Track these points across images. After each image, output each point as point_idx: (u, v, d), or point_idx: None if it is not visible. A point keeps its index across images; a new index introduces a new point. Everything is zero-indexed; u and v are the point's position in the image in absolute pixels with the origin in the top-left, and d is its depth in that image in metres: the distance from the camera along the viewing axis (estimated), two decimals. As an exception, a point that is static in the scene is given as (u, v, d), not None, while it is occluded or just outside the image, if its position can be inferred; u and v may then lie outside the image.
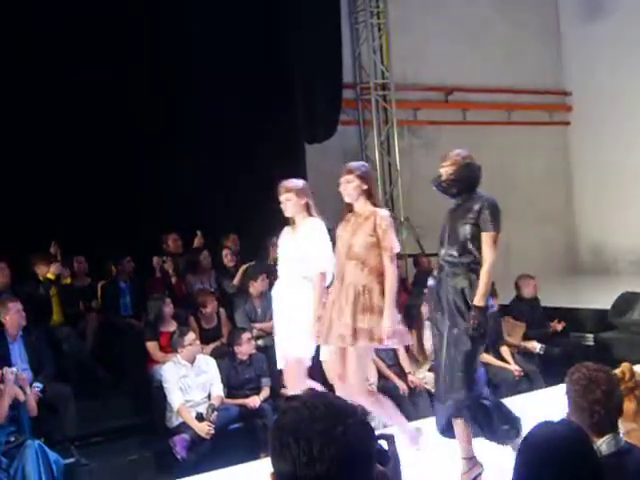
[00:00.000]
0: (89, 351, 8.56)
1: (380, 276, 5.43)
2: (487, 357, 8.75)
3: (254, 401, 7.51)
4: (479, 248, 5.17)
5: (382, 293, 5.38)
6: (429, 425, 6.29)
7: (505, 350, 8.90)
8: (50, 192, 9.22)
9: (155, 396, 7.57)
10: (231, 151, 10.20)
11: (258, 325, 8.46)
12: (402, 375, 8.31)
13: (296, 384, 5.81)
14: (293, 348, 5.78)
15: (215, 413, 7.17)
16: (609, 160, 13.91)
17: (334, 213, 11.89)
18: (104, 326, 8.84)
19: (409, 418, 7.25)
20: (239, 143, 10.42)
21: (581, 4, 14.49)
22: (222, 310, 8.68)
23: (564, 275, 14.01)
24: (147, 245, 9.74)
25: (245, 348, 7.76)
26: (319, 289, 5.70)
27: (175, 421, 7.25)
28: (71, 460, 6.70)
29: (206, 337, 8.29)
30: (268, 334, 8.07)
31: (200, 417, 7.16)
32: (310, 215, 5.88)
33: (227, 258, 9.60)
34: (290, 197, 5.84)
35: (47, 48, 9.26)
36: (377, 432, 1.98)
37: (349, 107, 12.79)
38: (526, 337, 9.37)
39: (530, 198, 14.18)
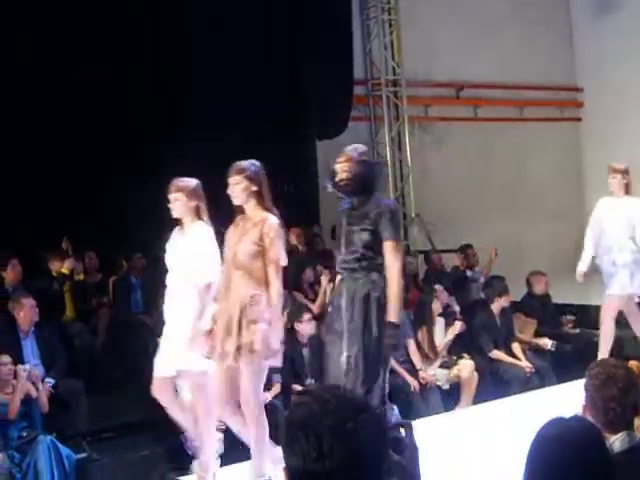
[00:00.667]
0: (101, 347, 8.59)
1: (268, 287, 5.09)
2: (498, 353, 8.75)
3: (264, 397, 7.50)
4: (377, 253, 4.94)
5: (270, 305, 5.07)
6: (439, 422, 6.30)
7: (516, 346, 8.88)
8: (55, 190, 9.25)
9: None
10: (238, 149, 10.15)
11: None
12: (413, 371, 8.30)
13: (167, 398, 5.55)
14: (181, 361, 5.40)
15: (226, 409, 7.17)
16: (620, 156, 13.81)
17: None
18: (115, 322, 8.87)
19: (421, 415, 7.28)
20: (248, 140, 10.40)
21: (593, 1, 14.43)
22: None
23: (575, 272, 13.92)
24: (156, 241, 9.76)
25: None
26: (202, 301, 5.30)
27: (186, 417, 7.25)
28: (83, 455, 6.73)
29: (217, 333, 8.29)
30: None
31: (211, 413, 7.17)
32: (199, 219, 5.50)
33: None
34: (179, 197, 5.45)
35: (47, 48, 9.28)
36: (395, 420, 1.97)
37: (360, 103, 12.77)
38: (537, 334, 9.36)
39: (541, 194, 14.14)
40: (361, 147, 5.18)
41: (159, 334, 8.03)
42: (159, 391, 5.59)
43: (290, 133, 10.80)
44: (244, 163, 5.30)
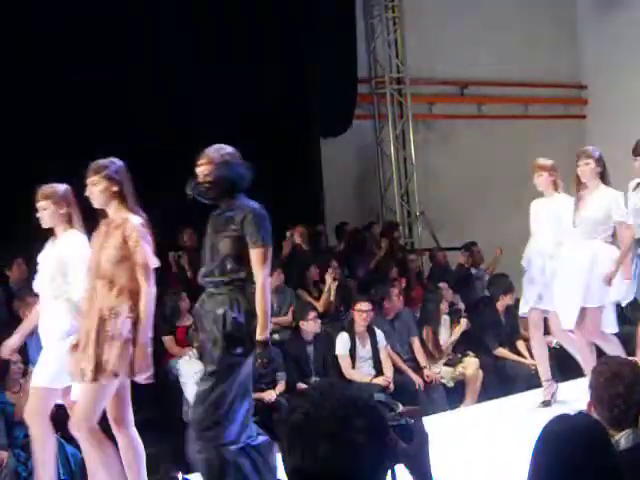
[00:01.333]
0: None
1: (134, 296, 4.63)
2: (503, 351, 8.75)
3: (270, 395, 7.52)
4: (244, 264, 4.51)
5: (136, 317, 4.63)
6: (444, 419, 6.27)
7: (521, 344, 8.88)
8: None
9: (172, 390, 7.60)
10: (240, 149, 10.14)
11: (274, 319, 8.47)
12: (418, 369, 8.31)
13: (37, 418, 5.27)
14: (41, 377, 5.17)
15: (231, 407, 7.18)
16: (624, 154, 13.79)
17: (345, 210, 11.85)
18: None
19: (425, 412, 7.27)
20: (250, 140, 10.39)
21: (597, -3, 14.42)
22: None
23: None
24: (163, 240, 9.76)
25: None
26: (76, 316, 4.95)
27: (192, 415, 7.26)
28: (88, 454, 6.72)
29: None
30: (284, 328, 8.16)
31: (216, 411, 7.18)
32: (72, 227, 5.10)
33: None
34: (47, 205, 5.04)
35: (47, 48, 9.26)
36: (402, 409, 1.96)
37: (364, 101, 12.77)
38: (542, 331, 9.34)
39: (546, 192, 14.12)
40: (226, 148, 4.76)
41: (165, 332, 8.12)
42: (36, 402, 5.36)
43: (294, 132, 10.79)
44: (102, 161, 4.86)
